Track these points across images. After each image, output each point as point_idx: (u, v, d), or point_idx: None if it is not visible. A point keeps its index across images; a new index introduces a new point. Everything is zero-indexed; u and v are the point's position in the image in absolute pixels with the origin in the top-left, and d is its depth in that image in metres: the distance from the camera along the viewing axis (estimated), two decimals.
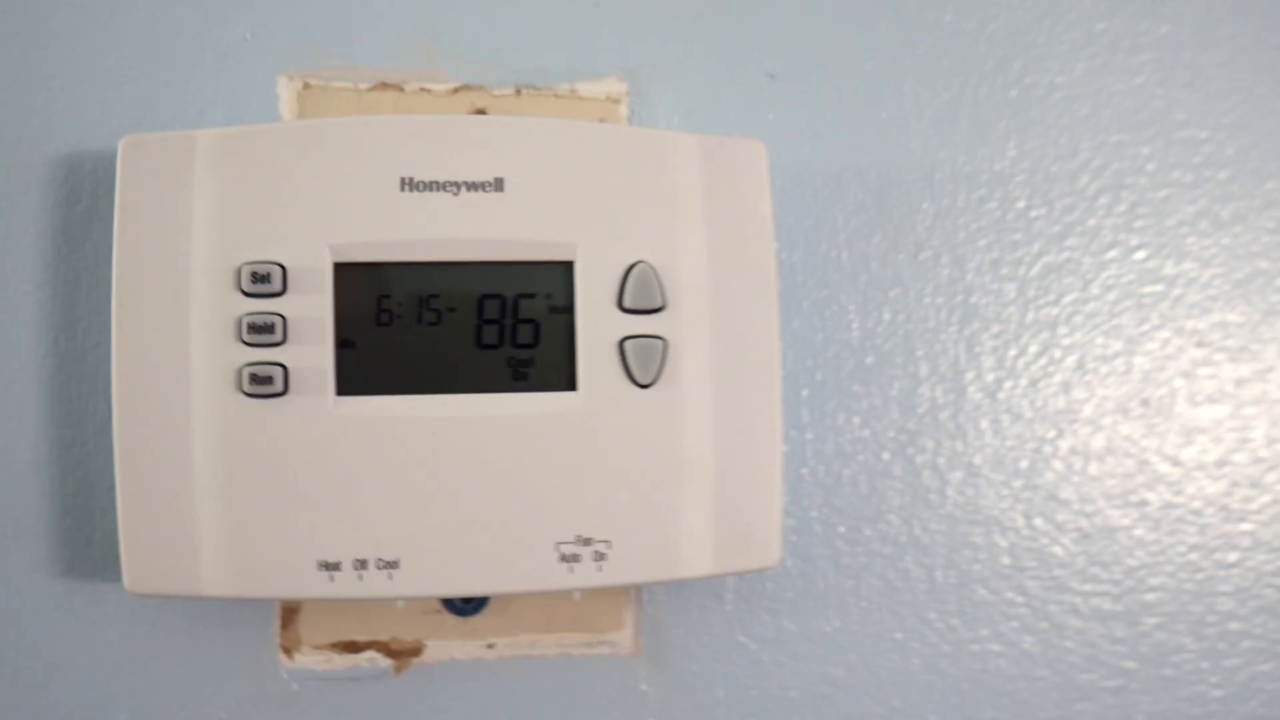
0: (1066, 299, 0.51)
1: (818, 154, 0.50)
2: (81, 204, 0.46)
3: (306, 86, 0.47)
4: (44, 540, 0.46)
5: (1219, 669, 0.51)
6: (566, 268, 0.42)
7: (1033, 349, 0.50)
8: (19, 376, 0.46)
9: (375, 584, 0.41)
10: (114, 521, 0.42)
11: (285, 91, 0.47)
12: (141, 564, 0.40)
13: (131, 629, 0.46)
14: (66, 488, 0.46)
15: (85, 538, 0.46)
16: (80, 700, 0.46)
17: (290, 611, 0.47)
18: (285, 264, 0.41)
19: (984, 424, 0.50)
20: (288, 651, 0.47)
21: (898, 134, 0.50)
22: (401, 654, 0.47)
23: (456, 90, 0.48)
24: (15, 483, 0.46)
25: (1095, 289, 0.51)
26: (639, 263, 0.42)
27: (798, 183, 0.49)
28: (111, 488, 0.44)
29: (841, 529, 0.49)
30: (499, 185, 0.42)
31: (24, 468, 0.46)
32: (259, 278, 0.41)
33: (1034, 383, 0.50)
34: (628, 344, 0.42)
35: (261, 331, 0.41)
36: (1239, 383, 0.51)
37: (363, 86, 0.48)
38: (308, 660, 0.47)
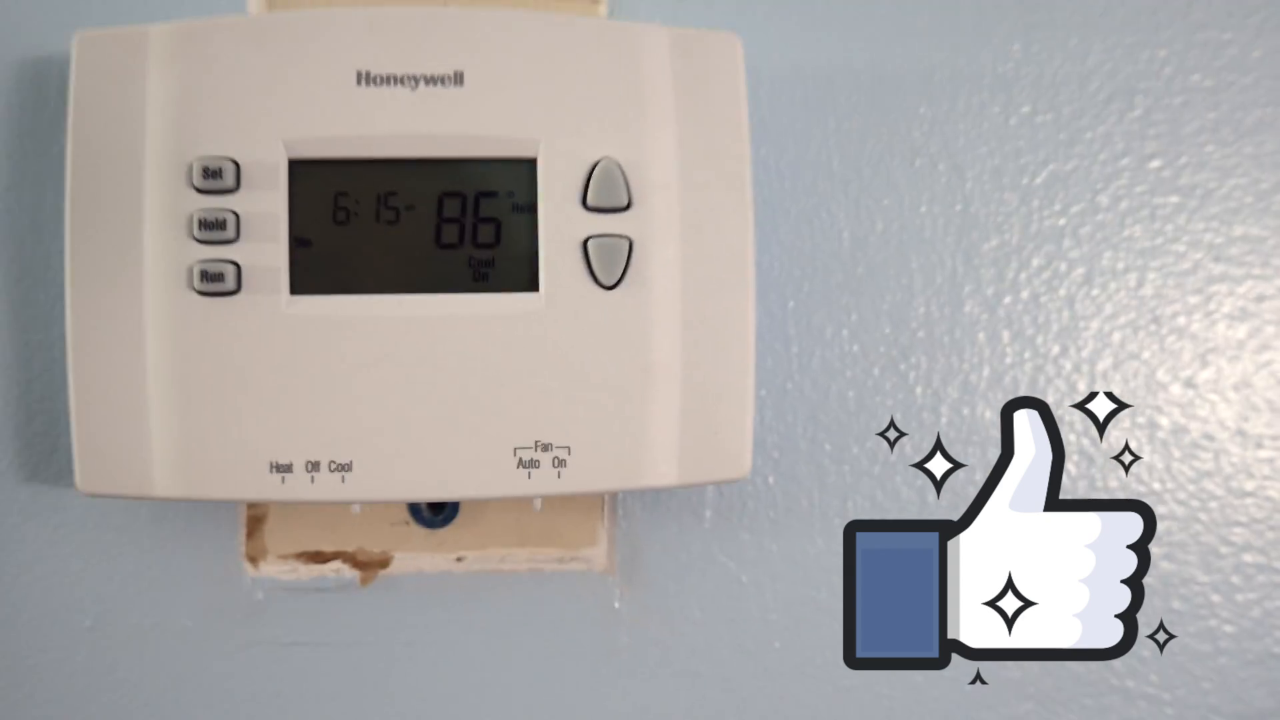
0: (1074, 209, 0.48)
1: (809, 53, 0.47)
2: (49, 108, 0.45)
3: None
4: (8, 445, 0.46)
5: (1230, 604, 0.48)
6: (529, 165, 0.41)
7: (1036, 262, 0.48)
8: None
9: (328, 487, 0.40)
10: None
11: None
12: (94, 464, 0.40)
13: (97, 535, 0.46)
14: (32, 393, 0.45)
15: (51, 443, 0.45)
16: (46, 604, 0.46)
17: (256, 520, 0.46)
18: (239, 159, 0.40)
19: (981, 337, 0.47)
20: (253, 560, 0.46)
21: (894, 32, 0.47)
22: (369, 565, 0.46)
23: None
24: None
25: (1104, 199, 0.48)
26: (604, 159, 0.40)
27: (787, 83, 0.47)
28: None
29: (828, 446, 0.47)
30: (459, 79, 0.40)
31: None
32: (211, 173, 0.39)
33: (1036, 297, 0.48)
34: (592, 243, 0.40)
35: (213, 228, 0.40)
36: (1260, 299, 0.48)
37: None
38: (273, 569, 0.46)
